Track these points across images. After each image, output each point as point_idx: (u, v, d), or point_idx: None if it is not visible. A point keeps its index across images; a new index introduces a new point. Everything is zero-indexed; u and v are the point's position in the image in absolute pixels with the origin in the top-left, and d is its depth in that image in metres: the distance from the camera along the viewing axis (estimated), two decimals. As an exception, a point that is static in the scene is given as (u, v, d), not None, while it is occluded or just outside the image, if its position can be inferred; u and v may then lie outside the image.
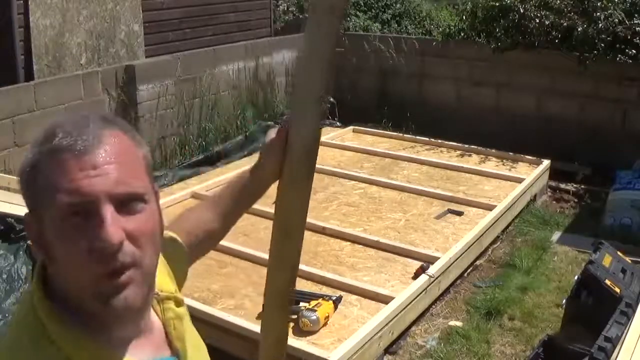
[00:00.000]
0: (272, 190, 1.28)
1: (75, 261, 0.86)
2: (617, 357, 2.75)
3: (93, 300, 0.87)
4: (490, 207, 4.66)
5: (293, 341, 3.01)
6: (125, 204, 0.88)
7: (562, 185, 5.79)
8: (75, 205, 0.85)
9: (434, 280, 3.72)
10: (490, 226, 4.46)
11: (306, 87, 1.23)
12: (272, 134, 1.24)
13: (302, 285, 3.53)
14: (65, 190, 0.85)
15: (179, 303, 1.04)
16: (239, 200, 1.32)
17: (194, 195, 4.75)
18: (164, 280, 1.05)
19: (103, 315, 0.88)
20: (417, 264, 3.79)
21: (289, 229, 1.26)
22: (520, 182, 5.15)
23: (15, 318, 0.95)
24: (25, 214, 0.90)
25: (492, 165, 5.69)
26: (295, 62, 1.42)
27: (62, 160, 0.86)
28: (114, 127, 0.92)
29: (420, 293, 3.60)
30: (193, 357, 1.03)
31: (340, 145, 6.12)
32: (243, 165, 5.44)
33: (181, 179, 5.28)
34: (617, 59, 5.65)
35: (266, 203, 4.00)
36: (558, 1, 5.98)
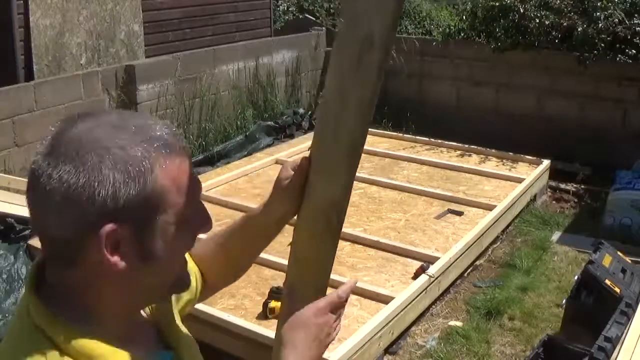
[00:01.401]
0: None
1: (182, 252, 0.92)
2: (617, 357, 2.76)
3: (173, 288, 0.96)
4: (490, 207, 4.66)
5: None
6: None
7: (562, 185, 5.79)
8: (197, 205, 0.91)
9: (434, 280, 3.72)
10: (490, 226, 4.46)
11: (334, 136, 0.99)
12: (288, 171, 1.07)
13: (302, 285, 3.53)
14: (193, 189, 0.89)
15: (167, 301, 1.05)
16: (246, 243, 1.20)
17: (194, 195, 4.74)
18: None
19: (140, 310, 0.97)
20: (417, 264, 3.79)
21: (310, 278, 1.08)
22: (520, 182, 5.15)
23: (10, 329, 0.92)
24: (108, 227, 0.82)
25: (492, 165, 5.69)
26: (320, 103, 1.17)
27: (176, 158, 0.86)
28: None
29: (420, 293, 3.60)
30: (185, 353, 1.03)
31: (340, 145, 6.11)
32: (243, 166, 5.44)
33: (181, 179, 5.28)
34: (617, 59, 5.65)
35: (266, 203, 3.86)
36: (558, 1, 5.99)
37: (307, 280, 1.07)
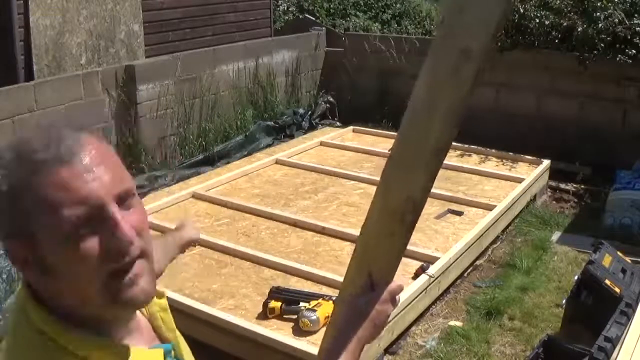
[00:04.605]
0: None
1: (88, 270, 0.84)
2: (617, 357, 2.76)
3: (110, 304, 0.87)
4: (490, 207, 4.65)
5: (293, 341, 3.02)
6: (123, 200, 0.87)
7: (562, 185, 5.79)
8: (84, 216, 0.82)
9: (434, 280, 3.72)
10: (490, 226, 4.46)
11: (421, 138, 1.04)
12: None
13: (302, 285, 3.54)
14: (69, 203, 0.82)
15: (160, 295, 1.04)
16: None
17: (194, 195, 4.74)
18: None
19: (116, 315, 0.90)
20: (417, 264, 3.78)
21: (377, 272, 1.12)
22: (520, 182, 5.15)
23: (12, 345, 0.90)
24: (7, 242, 0.85)
25: (492, 165, 5.69)
26: (409, 105, 1.17)
27: (54, 173, 0.82)
28: (82, 131, 0.89)
29: (420, 293, 3.60)
30: (180, 344, 1.06)
31: (340, 145, 6.11)
32: (243, 166, 5.43)
33: (181, 179, 5.28)
34: (617, 59, 5.64)
35: (267, 203, 4.02)
36: (558, 1, 5.99)
37: (375, 273, 1.12)
